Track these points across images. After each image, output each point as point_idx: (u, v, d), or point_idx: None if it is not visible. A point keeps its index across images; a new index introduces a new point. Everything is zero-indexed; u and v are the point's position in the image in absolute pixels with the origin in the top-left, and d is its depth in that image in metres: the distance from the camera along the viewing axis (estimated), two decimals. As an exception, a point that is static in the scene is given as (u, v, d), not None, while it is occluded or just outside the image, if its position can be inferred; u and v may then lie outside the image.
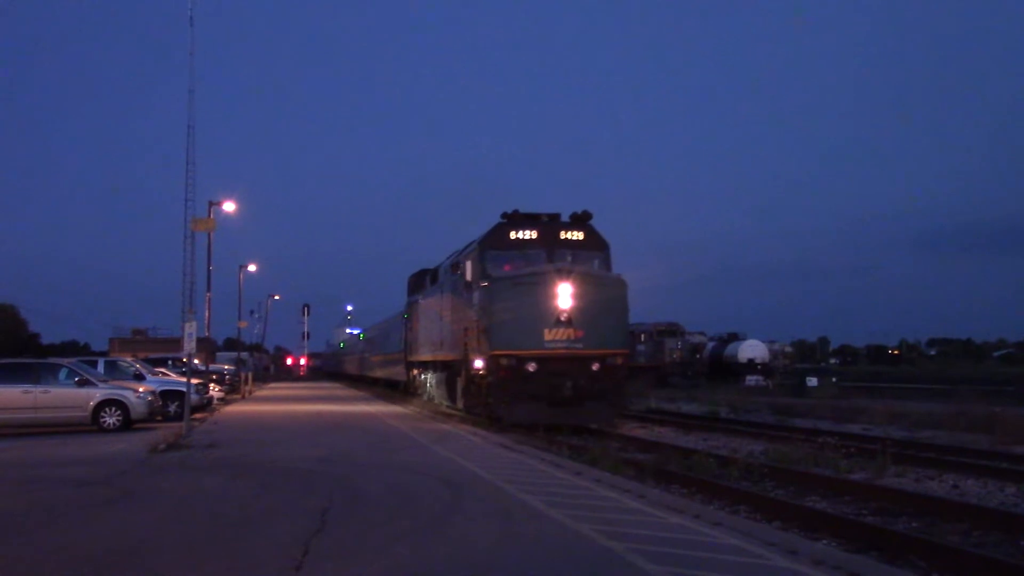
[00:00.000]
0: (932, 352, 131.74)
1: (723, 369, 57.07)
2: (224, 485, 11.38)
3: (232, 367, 50.97)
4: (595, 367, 20.04)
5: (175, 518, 9.03)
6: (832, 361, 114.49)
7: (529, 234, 21.54)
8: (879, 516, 10.26)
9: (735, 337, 60.42)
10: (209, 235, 30.90)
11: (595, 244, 21.92)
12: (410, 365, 35.36)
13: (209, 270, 32.33)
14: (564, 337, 19.83)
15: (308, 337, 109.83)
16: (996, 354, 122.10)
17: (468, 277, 22.20)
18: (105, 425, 20.48)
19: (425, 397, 31.69)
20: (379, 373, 50.41)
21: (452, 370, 25.06)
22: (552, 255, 21.18)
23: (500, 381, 20.06)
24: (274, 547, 7.41)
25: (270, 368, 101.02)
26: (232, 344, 75.71)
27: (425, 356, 30.38)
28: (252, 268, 56.61)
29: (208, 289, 33.17)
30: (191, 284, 52.78)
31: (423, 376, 32.28)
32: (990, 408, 22.41)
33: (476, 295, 21.52)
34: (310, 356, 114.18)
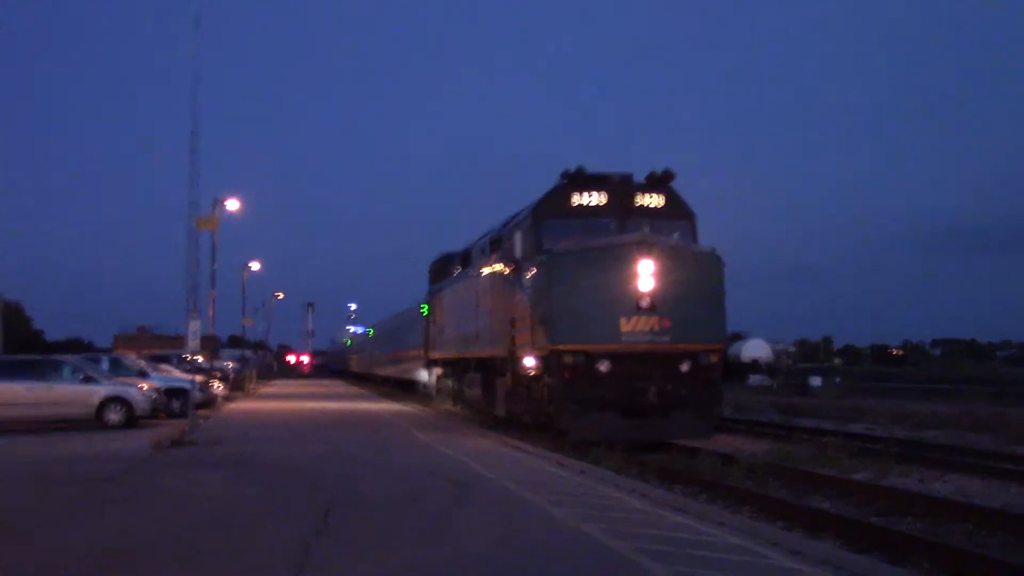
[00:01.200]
0: (936, 352, 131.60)
1: (727, 369, 56.96)
2: (227, 483, 11.39)
3: (236, 364, 51.06)
4: (684, 367, 15.76)
5: (178, 516, 9.04)
6: (836, 361, 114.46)
7: (597, 198, 17.01)
8: (883, 516, 10.24)
9: (738, 337, 60.41)
10: (213, 233, 30.89)
11: (679, 212, 17.48)
12: (431, 363, 30.67)
13: (213, 268, 32.35)
14: (646, 328, 15.50)
15: (313, 335, 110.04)
16: (1000, 354, 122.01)
17: (517, 253, 17.91)
18: (109, 422, 20.46)
19: (451, 400, 27.58)
20: (391, 371, 47.02)
21: (491, 369, 20.41)
22: (625, 224, 16.79)
23: (563, 384, 15.54)
24: (277, 547, 7.39)
25: (273, 366, 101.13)
26: (236, 342, 75.78)
27: (452, 353, 25.62)
28: (256, 266, 56.59)
29: (212, 287, 33.18)
30: (194, 282, 52.74)
31: (449, 375, 27.53)
32: (995, 408, 22.39)
33: (528, 276, 17.09)
34: (314, 354, 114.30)
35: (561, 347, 15.51)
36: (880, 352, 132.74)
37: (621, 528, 7.95)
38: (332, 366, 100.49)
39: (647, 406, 15.54)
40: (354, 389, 50.61)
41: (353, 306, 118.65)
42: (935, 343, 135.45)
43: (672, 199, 17.36)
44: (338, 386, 56.22)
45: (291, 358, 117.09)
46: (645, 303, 15.44)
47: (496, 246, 20.08)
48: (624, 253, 15.65)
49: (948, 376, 58.31)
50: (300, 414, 26.07)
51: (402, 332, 42.25)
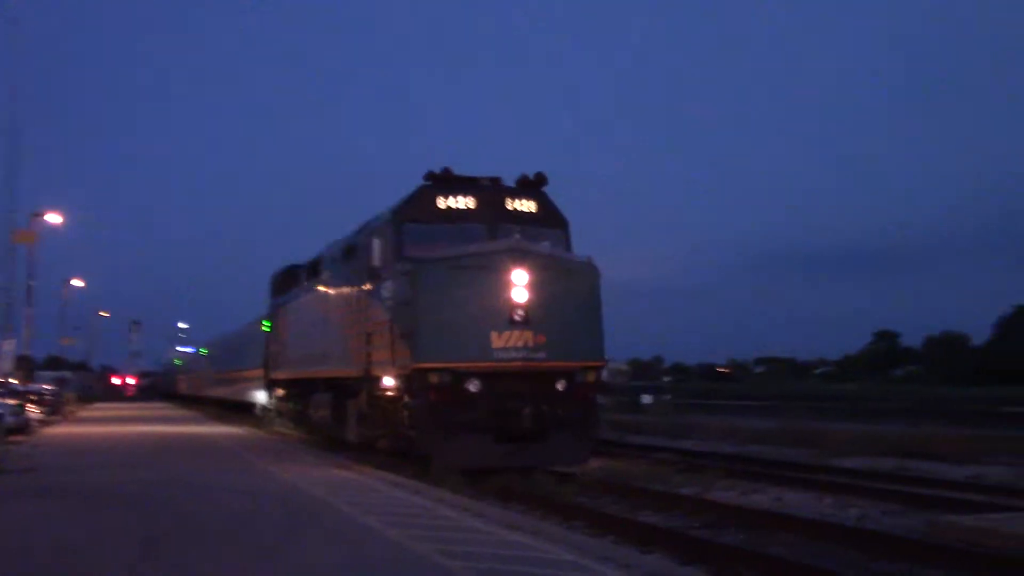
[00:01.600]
0: (759, 370, 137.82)
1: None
2: (43, 512, 10.74)
3: (54, 387, 48.34)
4: (560, 386, 14.71)
5: (-14, 549, 8.45)
6: (666, 379, 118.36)
7: (465, 202, 15.61)
8: (707, 529, 10.64)
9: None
10: (30, 247, 29.28)
11: (552, 218, 16.29)
12: (273, 384, 28.32)
13: (30, 284, 30.64)
14: (520, 344, 14.28)
15: (137, 356, 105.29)
16: (817, 372, 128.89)
17: (375, 262, 16.16)
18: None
19: (292, 424, 25.96)
20: (226, 393, 43.63)
21: (342, 390, 18.78)
22: (495, 231, 15.40)
23: (428, 406, 14.17)
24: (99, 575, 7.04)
25: (96, 388, 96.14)
26: (55, 362, 71.74)
27: (297, 372, 23.67)
28: (79, 283, 53.88)
29: (29, 305, 31.44)
30: (9, 299, 49.80)
31: (292, 397, 25.37)
32: (814, 424, 23.65)
33: (388, 286, 15.60)
34: (140, 375, 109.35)
35: (426, 365, 14.13)
36: (707, 370, 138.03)
37: (457, 548, 7.96)
38: (160, 388, 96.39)
39: (522, 429, 14.25)
40: (184, 412, 48.70)
41: (183, 325, 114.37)
42: (758, 361, 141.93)
43: (545, 205, 16.19)
44: (166, 409, 53.96)
45: (116, 380, 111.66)
46: (519, 316, 14.26)
47: (350, 254, 18.39)
48: (495, 261, 14.44)
49: (767, 392, 61.19)
50: (123, 438, 24.85)
51: (239, 350, 39.35)
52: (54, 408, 40.96)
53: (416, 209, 15.68)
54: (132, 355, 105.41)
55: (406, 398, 14.94)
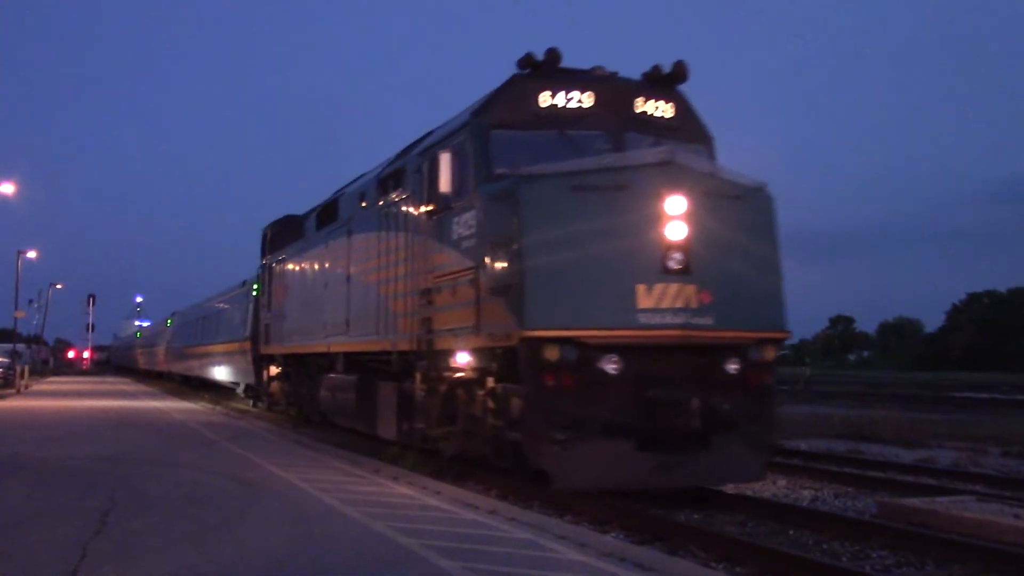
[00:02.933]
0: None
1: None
2: (-8, 486, 10.61)
3: (6, 360, 47.62)
4: (732, 367, 10.22)
5: (-67, 523, 8.32)
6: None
7: (579, 100, 11.10)
8: (663, 508, 10.73)
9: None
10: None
11: (694, 130, 11.76)
12: (263, 360, 23.63)
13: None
14: (679, 303, 9.69)
15: (93, 329, 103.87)
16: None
17: (444, 186, 11.37)
18: None
19: (294, 410, 21.36)
20: (195, 368, 39.00)
21: (375, 370, 14.57)
22: (621, 142, 11.01)
23: (544, 396, 9.66)
24: (48, 551, 6.97)
25: (49, 361, 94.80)
26: (7, 336, 70.62)
27: (303, 346, 18.92)
28: (32, 254, 53.02)
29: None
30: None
31: (290, 377, 21.09)
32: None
33: (468, 219, 11.10)
34: (95, 349, 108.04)
35: (540, 333, 9.58)
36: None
37: (413, 526, 7.97)
38: (117, 362, 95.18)
39: (682, 432, 9.83)
40: (136, 387, 48.16)
41: (140, 299, 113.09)
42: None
43: (685, 110, 11.77)
44: (119, 384, 53.30)
45: (71, 354, 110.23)
46: (676, 262, 9.76)
47: (390, 186, 14.09)
48: (641, 180, 9.95)
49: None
50: (77, 412, 24.52)
51: (216, 320, 34.38)
52: (7, 381, 40.41)
53: (509, 109, 11.22)
54: (87, 329, 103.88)
55: (490, 383, 10.78)
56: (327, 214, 18.10)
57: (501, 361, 10.49)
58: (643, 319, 9.71)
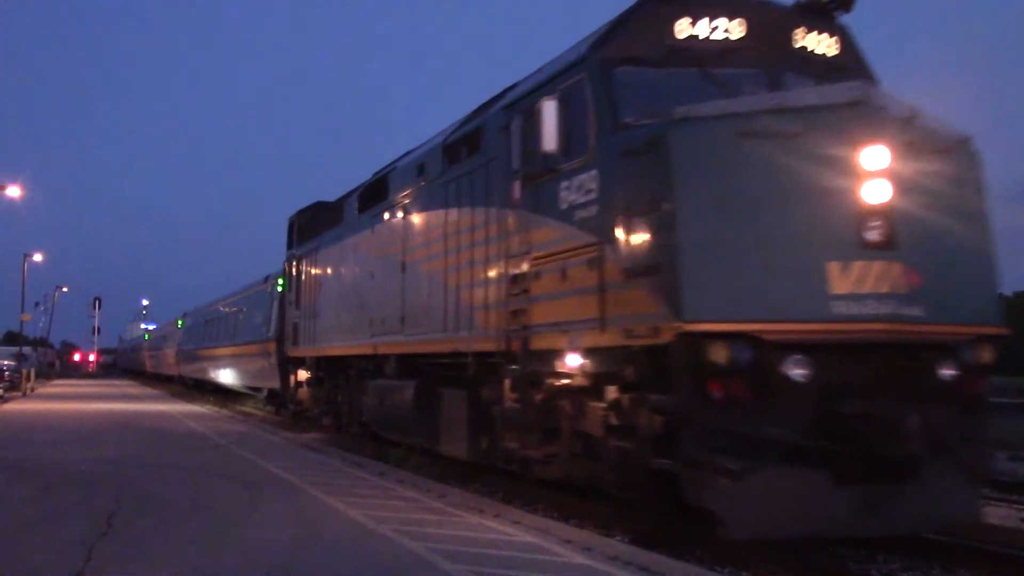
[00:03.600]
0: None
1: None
2: (0, 489, 10.63)
3: (12, 363, 47.74)
4: (947, 372, 7.95)
5: (-60, 525, 8.34)
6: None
7: (725, 29, 8.84)
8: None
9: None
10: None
11: (861, 72, 9.33)
12: (293, 364, 21.12)
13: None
14: (883, 287, 7.48)
15: (99, 332, 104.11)
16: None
17: (548, 143, 9.02)
18: None
19: (328, 417, 18.70)
20: (209, 372, 36.82)
21: (439, 376, 12.50)
22: (777, 84, 8.95)
23: (708, 410, 7.41)
24: (54, 552, 6.97)
25: (55, 364, 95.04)
26: (13, 338, 70.80)
27: (343, 347, 16.56)
28: (38, 258, 53.19)
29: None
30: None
31: (331, 383, 18.25)
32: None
33: (587, 180, 8.77)
34: (101, 352, 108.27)
35: (702, 326, 7.29)
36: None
37: (417, 528, 7.96)
38: (124, 365, 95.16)
39: (895, 459, 7.44)
40: (142, 390, 48.21)
41: (145, 302, 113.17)
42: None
43: (850, 47, 9.48)
44: (126, 387, 53.39)
45: (77, 356, 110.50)
46: (878, 233, 7.50)
47: (468, 147, 11.76)
48: (830, 125, 7.66)
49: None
50: (83, 415, 24.56)
51: (235, 320, 31.87)
52: (13, 384, 40.47)
53: (638, 40, 8.83)
54: (93, 332, 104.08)
55: (610, 392, 8.58)
56: (373, 194, 15.65)
57: (636, 364, 8.05)
58: (839, 308, 7.39)
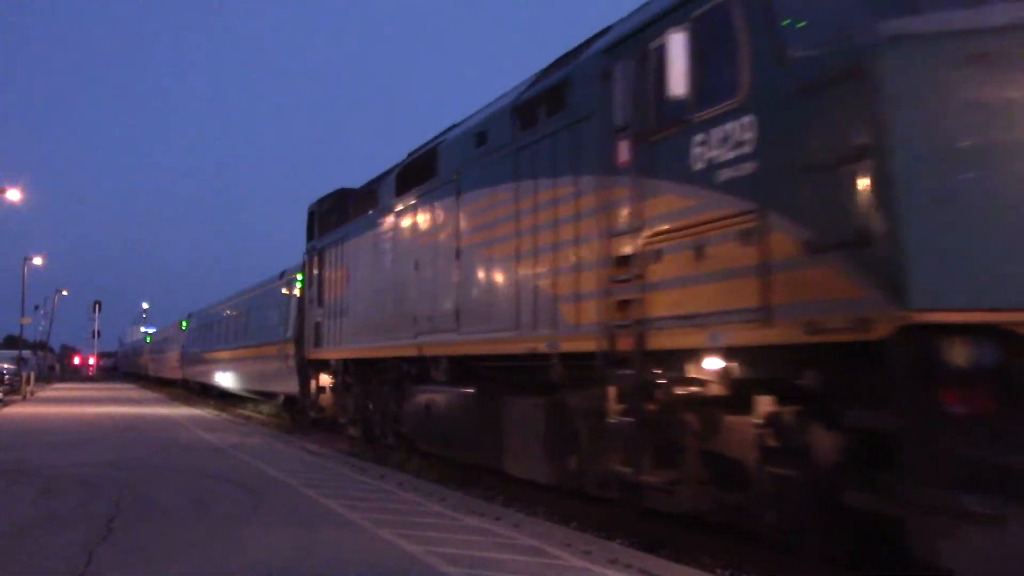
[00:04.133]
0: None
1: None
2: (0, 492, 10.63)
3: (12, 366, 47.76)
4: None
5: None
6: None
7: None
8: (670, 516, 10.67)
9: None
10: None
11: None
12: (310, 366, 19.16)
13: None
14: None
15: (99, 335, 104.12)
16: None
17: (677, 86, 7.21)
18: None
19: (356, 427, 16.67)
20: (222, 377, 33.70)
21: (503, 383, 10.92)
22: None
23: (944, 429, 5.25)
24: (54, 556, 6.98)
25: (55, 368, 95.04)
26: (13, 342, 70.82)
27: (383, 347, 14.38)
28: (38, 261, 53.21)
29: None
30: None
31: (363, 389, 16.20)
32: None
33: (729, 136, 6.83)
34: (101, 356, 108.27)
35: (939, 316, 5.38)
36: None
37: (418, 532, 7.96)
38: (125, 368, 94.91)
39: None
40: (142, 393, 48.19)
41: (145, 305, 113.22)
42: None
43: None
44: (126, 390, 53.35)
45: (77, 360, 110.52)
46: None
47: (548, 106, 9.78)
48: None
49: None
50: (83, 419, 24.53)
51: (247, 320, 29.96)
52: (13, 388, 40.47)
53: None
54: (93, 335, 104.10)
55: (762, 405, 6.88)
56: (416, 172, 13.58)
57: (820, 368, 6.24)
58: None
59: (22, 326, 54.43)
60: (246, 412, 27.04)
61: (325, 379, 18.49)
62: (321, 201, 19.15)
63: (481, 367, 11.35)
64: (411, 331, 13.05)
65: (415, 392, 13.26)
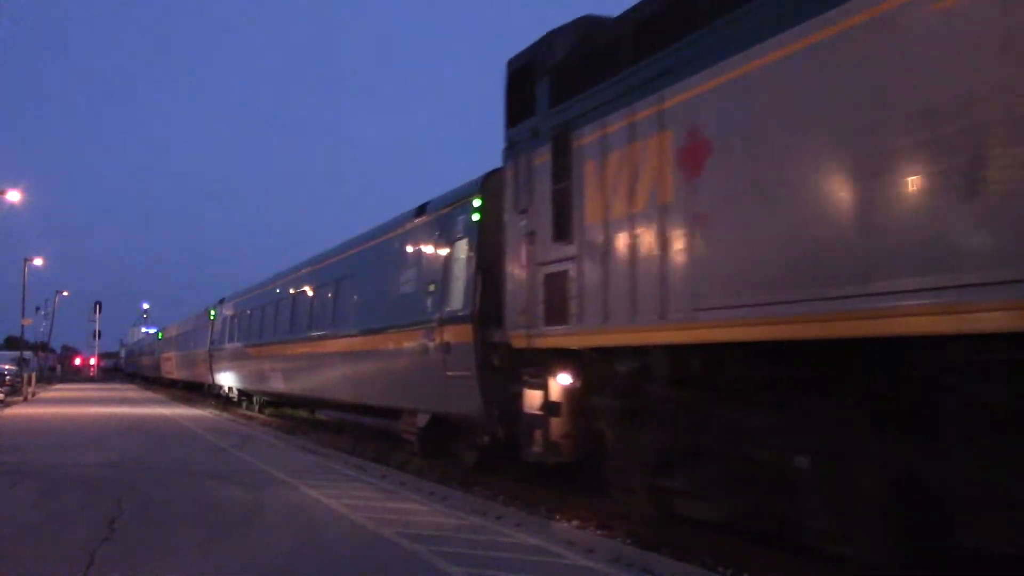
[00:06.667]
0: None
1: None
2: (0, 494, 10.62)
3: (13, 367, 47.81)
4: None
5: (-58, 530, 8.34)
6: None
7: None
8: (671, 514, 10.66)
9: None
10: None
11: None
12: (523, 366, 10.68)
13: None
14: None
15: (100, 336, 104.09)
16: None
17: None
18: None
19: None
20: (293, 382, 22.48)
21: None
22: None
23: None
24: (56, 557, 6.98)
25: (56, 368, 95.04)
26: (13, 343, 70.87)
27: (732, 323, 6.89)
28: (39, 262, 53.23)
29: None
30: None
31: (648, 410, 8.60)
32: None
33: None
34: (102, 356, 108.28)
35: None
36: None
37: (421, 532, 7.96)
38: (131, 370, 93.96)
39: None
40: (151, 394, 48.16)
41: (146, 305, 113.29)
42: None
43: None
44: (127, 391, 53.28)
45: (78, 361, 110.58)
46: None
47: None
48: None
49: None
50: (85, 419, 24.53)
51: (349, 292, 18.27)
52: (14, 388, 40.50)
53: None
54: (94, 336, 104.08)
55: None
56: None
57: None
58: None
59: (23, 327, 54.47)
60: (249, 412, 27.03)
61: (555, 389, 10.25)
62: (549, 41, 10.55)
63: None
64: (862, 283, 5.81)
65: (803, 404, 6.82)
